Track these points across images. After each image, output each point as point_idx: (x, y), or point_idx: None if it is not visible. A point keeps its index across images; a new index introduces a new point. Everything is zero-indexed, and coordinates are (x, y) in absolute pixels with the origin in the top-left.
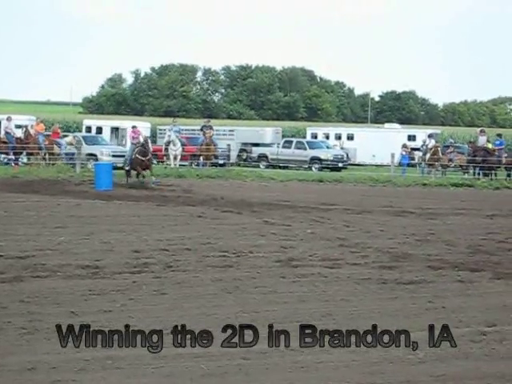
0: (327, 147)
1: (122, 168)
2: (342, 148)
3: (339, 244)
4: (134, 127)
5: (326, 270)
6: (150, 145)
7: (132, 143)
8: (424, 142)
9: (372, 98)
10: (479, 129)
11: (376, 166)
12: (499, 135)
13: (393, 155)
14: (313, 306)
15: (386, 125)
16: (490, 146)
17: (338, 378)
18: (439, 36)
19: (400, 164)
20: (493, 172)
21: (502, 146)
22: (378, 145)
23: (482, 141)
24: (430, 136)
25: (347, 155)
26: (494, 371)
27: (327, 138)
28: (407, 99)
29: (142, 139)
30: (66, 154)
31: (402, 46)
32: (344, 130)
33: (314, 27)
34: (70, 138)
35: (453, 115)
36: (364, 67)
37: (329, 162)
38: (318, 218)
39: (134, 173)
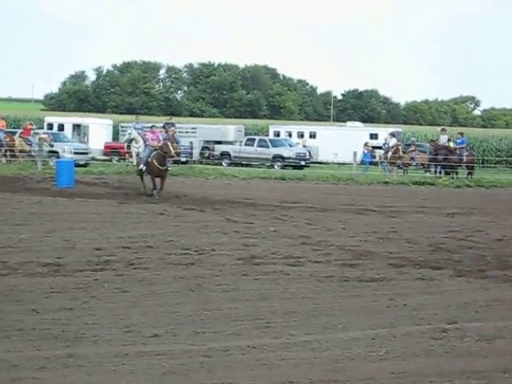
0: (290, 145)
1: (83, 166)
2: (304, 146)
3: (301, 242)
4: (152, 127)
5: (288, 267)
6: (170, 148)
7: (147, 145)
8: (386, 140)
9: (334, 97)
10: (440, 127)
11: (338, 164)
12: (461, 134)
13: (355, 153)
14: (275, 304)
15: (349, 123)
16: (451, 144)
17: (300, 375)
18: (401, 35)
19: (362, 162)
20: (454, 170)
21: (463, 145)
22: (340, 143)
23: (443, 139)
24: (391, 134)
25: (310, 153)
26: (454, 368)
27: (290, 136)
28: (369, 98)
29: (161, 141)
30: (40, 151)
31: (364, 45)
32: (306, 128)
33: (276, 25)
34: (44, 136)
35: (415, 114)
36: (326, 66)
37: (291, 160)
38: (281, 216)
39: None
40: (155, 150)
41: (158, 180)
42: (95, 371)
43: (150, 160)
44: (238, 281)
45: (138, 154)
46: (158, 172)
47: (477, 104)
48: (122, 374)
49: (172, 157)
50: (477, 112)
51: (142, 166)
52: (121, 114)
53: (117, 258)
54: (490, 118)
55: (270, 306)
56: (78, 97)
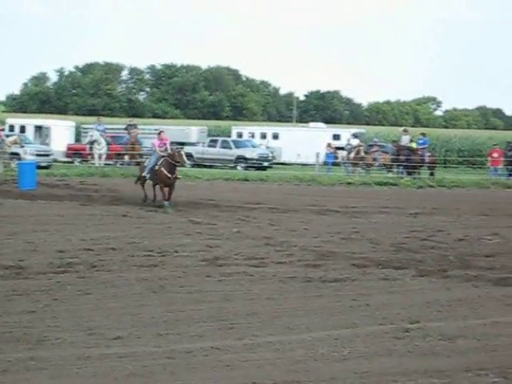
0: (253, 146)
1: (45, 167)
2: (267, 147)
3: (265, 243)
4: (160, 133)
5: (251, 268)
6: (184, 157)
7: (154, 151)
8: (348, 141)
9: (297, 98)
10: (402, 128)
11: (301, 165)
12: (423, 134)
13: (317, 154)
14: (238, 305)
15: (311, 124)
16: (413, 145)
17: (263, 376)
18: (362, 36)
19: (325, 163)
20: (416, 171)
21: (425, 146)
22: (302, 144)
23: (405, 140)
24: (354, 135)
25: (272, 154)
26: (417, 367)
27: (252, 136)
28: (331, 98)
29: (169, 148)
30: (12, 153)
31: (325, 46)
32: (269, 129)
33: (238, 26)
34: (14, 137)
35: (377, 114)
36: (289, 67)
37: (254, 161)
38: (244, 217)
39: (148, 184)
40: (162, 157)
41: (166, 189)
42: (58, 374)
43: (157, 168)
44: (201, 282)
45: (100, 156)
46: (166, 181)
47: (438, 105)
48: (85, 376)
49: (182, 165)
50: (438, 113)
51: (145, 173)
52: (83, 115)
53: (79, 261)
54: (452, 119)
55: (234, 308)
56: (39, 98)
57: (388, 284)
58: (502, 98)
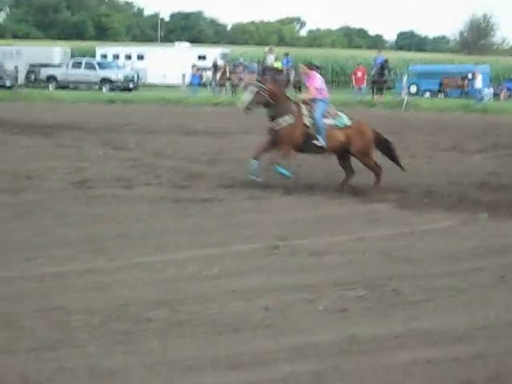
0: (117, 67)
1: None
2: (132, 68)
3: (132, 165)
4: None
5: (119, 190)
6: None
7: None
8: (214, 61)
9: (161, 19)
10: (267, 47)
11: (167, 86)
12: (286, 54)
13: (183, 75)
14: (107, 227)
15: (176, 43)
16: (278, 64)
17: (136, 296)
18: None
19: (191, 84)
20: None
21: (289, 65)
22: (168, 65)
23: (270, 59)
24: (220, 55)
25: (138, 76)
26: (286, 283)
27: (117, 58)
28: (196, 19)
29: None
30: None
31: None
32: (134, 49)
33: None
34: None
35: (242, 35)
36: None
37: (119, 83)
38: (110, 140)
39: None
40: None
41: None
42: None
43: None
44: (69, 205)
45: None
46: None
47: (302, 25)
48: None
49: None
50: (303, 33)
51: None
52: None
53: None
54: (316, 38)
55: (103, 230)
56: None
57: (256, 203)
58: (365, 17)
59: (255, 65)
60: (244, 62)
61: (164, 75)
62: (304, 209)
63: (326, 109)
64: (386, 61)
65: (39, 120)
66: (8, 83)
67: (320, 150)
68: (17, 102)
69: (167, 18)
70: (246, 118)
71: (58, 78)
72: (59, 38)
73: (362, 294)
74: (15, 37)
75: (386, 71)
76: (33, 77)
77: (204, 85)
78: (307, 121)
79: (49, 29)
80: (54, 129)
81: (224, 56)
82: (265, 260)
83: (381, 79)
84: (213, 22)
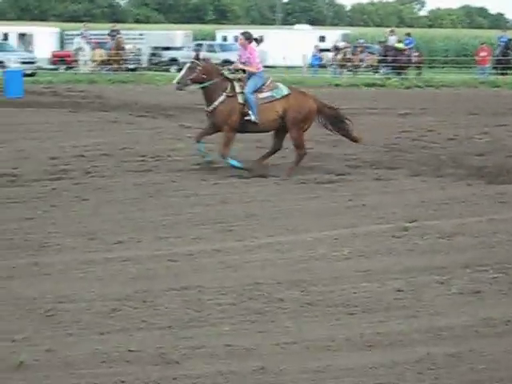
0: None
1: (30, 75)
2: None
3: (256, 146)
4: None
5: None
6: None
7: None
8: (335, 42)
9: (280, 0)
10: (389, 29)
11: (287, 67)
12: (408, 34)
13: (304, 56)
14: (235, 207)
15: (296, 26)
16: (400, 45)
17: (266, 276)
18: None
19: (311, 65)
20: (404, 71)
21: (411, 45)
22: (288, 46)
23: (392, 40)
24: (341, 37)
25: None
26: (417, 264)
27: (237, 40)
28: (315, 0)
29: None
30: None
31: None
32: (255, 32)
33: None
34: None
35: (361, 16)
36: None
37: None
38: None
39: None
40: None
41: None
42: (62, 279)
43: None
44: (196, 186)
45: (85, 62)
46: None
47: (422, 5)
48: (90, 280)
49: None
50: (423, 13)
51: None
52: (64, 21)
53: (73, 167)
54: (436, 18)
55: (231, 210)
56: (18, 6)
57: (382, 184)
58: None
59: (376, 46)
60: (364, 42)
61: (283, 57)
62: (431, 190)
63: (263, 82)
64: (510, 40)
65: (163, 102)
66: (131, 65)
67: (255, 127)
68: (141, 85)
69: (286, 0)
70: (367, 99)
71: (180, 61)
72: (180, 22)
73: (495, 277)
74: (136, 21)
75: (510, 51)
76: (155, 59)
77: (324, 66)
78: (240, 98)
79: (169, 12)
80: (177, 110)
81: (345, 37)
82: (394, 241)
83: (505, 59)
84: (332, 3)
